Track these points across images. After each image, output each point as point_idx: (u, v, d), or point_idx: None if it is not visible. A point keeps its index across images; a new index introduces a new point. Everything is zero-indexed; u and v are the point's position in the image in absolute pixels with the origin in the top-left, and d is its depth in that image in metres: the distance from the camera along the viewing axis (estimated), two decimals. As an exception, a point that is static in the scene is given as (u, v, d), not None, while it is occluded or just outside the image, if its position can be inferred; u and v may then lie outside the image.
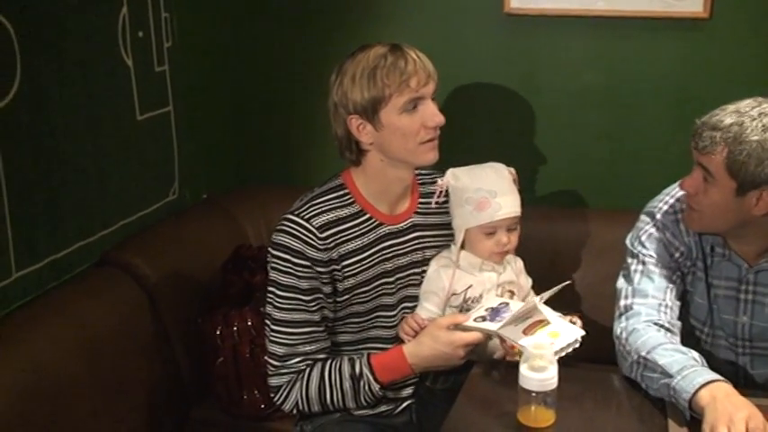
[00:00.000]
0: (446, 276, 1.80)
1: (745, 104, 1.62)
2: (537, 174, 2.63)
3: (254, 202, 2.73)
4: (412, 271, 1.87)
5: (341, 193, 1.82)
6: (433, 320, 1.76)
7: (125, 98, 2.29)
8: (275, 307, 1.78)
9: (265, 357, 1.83)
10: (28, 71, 1.90)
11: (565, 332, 1.65)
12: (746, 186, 1.60)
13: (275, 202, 2.43)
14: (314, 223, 1.75)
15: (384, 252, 1.83)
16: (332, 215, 1.78)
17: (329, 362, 1.79)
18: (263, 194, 2.75)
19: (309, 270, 1.75)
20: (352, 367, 1.78)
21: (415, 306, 1.85)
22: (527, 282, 1.90)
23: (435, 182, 1.83)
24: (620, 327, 1.75)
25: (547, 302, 1.71)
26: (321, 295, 1.77)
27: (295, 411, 1.83)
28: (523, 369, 1.50)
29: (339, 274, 1.78)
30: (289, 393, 1.80)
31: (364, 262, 1.80)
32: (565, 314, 1.73)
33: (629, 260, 1.84)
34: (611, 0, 2.45)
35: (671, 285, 1.79)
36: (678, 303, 1.80)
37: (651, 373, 1.61)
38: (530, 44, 2.57)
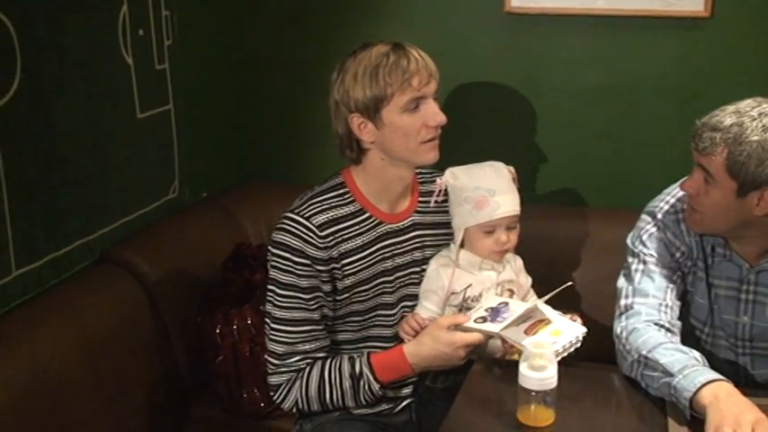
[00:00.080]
0: (446, 275, 1.80)
1: (745, 104, 1.62)
2: (537, 172, 2.63)
3: (254, 200, 2.73)
4: (411, 270, 1.87)
5: (341, 191, 1.82)
6: (434, 321, 1.75)
7: (125, 96, 2.29)
8: (275, 305, 1.78)
9: (265, 356, 1.83)
10: (28, 69, 1.90)
11: (567, 330, 1.65)
12: (747, 187, 1.60)
13: (275, 200, 2.43)
14: (314, 222, 1.75)
15: (384, 251, 1.83)
16: (332, 214, 1.78)
17: (329, 361, 1.79)
18: (264, 193, 2.75)
19: (309, 268, 1.75)
20: (352, 366, 1.78)
21: (415, 305, 1.85)
22: (527, 280, 1.89)
23: (435, 181, 1.83)
24: (620, 326, 1.75)
25: (547, 302, 1.71)
26: (321, 294, 1.77)
27: (295, 410, 1.83)
28: (523, 368, 1.50)
29: (339, 272, 1.78)
30: (288, 392, 1.80)
31: (364, 261, 1.80)
32: (564, 313, 1.73)
33: (630, 259, 1.84)
34: (611, -1, 2.45)
35: (671, 285, 1.78)
36: (678, 303, 1.80)
37: (652, 372, 1.61)
38: (530, 43, 2.57)
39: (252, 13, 2.76)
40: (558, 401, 1.52)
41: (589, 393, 1.67)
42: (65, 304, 1.99)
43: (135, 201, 2.37)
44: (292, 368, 1.79)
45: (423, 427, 1.89)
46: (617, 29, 2.48)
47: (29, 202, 1.94)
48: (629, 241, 1.86)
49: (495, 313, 1.70)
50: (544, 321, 1.67)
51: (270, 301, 1.79)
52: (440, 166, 1.84)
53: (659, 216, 1.82)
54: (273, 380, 1.81)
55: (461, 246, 1.81)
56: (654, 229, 1.82)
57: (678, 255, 1.80)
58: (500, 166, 1.82)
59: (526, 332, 1.64)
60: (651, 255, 1.80)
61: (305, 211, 1.76)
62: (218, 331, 2.23)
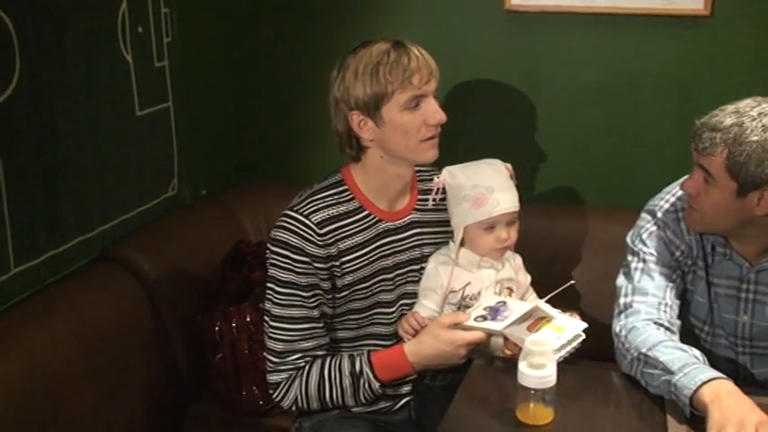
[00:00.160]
0: (444, 273, 1.79)
1: (745, 104, 1.61)
2: (537, 171, 2.63)
3: (253, 198, 2.72)
4: (410, 268, 1.86)
5: (340, 189, 1.82)
6: (435, 319, 1.75)
7: (124, 94, 2.29)
8: (274, 303, 1.77)
9: (264, 353, 1.83)
10: (27, 66, 1.90)
11: (569, 326, 1.66)
12: (747, 187, 1.60)
13: (274, 198, 2.43)
14: (313, 219, 1.75)
15: (383, 249, 1.83)
16: (331, 211, 1.77)
17: (329, 359, 1.79)
18: (263, 190, 2.75)
19: (308, 266, 1.74)
20: (353, 365, 1.78)
21: (414, 303, 1.85)
22: (526, 279, 1.89)
23: (434, 178, 1.83)
24: (619, 324, 1.75)
25: (548, 301, 1.71)
26: (320, 291, 1.77)
27: (294, 408, 1.83)
28: (522, 366, 1.50)
29: (338, 270, 1.78)
30: (288, 390, 1.80)
31: (363, 258, 1.80)
32: (563, 311, 1.72)
33: (630, 258, 1.83)
34: (611, -3, 2.45)
35: (671, 284, 1.78)
36: (678, 302, 1.79)
37: (652, 370, 1.61)
38: (530, 41, 2.56)
39: (252, 10, 2.76)
40: (557, 399, 1.52)
41: (588, 392, 1.67)
42: (64, 302, 1.98)
43: (134, 198, 2.37)
44: (292, 366, 1.79)
45: (421, 425, 1.89)
46: (617, 27, 2.48)
47: (28, 199, 1.94)
48: (628, 239, 1.86)
49: (494, 312, 1.70)
50: (546, 318, 1.67)
51: (269, 299, 1.79)
52: (439, 165, 1.84)
53: (659, 214, 1.82)
54: (273, 378, 1.81)
55: (461, 244, 1.81)
56: (654, 228, 1.81)
57: (678, 253, 1.80)
58: (497, 163, 1.82)
59: (528, 329, 1.65)
60: (651, 253, 1.80)
61: (304, 209, 1.76)
62: (217, 329, 2.23)
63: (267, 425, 2.27)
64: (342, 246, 1.77)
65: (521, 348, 1.54)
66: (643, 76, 2.51)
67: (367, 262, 1.81)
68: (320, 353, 1.80)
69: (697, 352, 1.61)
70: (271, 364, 1.80)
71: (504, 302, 1.73)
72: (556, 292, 1.68)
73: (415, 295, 1.86)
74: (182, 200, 2.59)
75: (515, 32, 2.56)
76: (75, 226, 2.12)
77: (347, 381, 1.77)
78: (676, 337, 1.71)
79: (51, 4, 1.98)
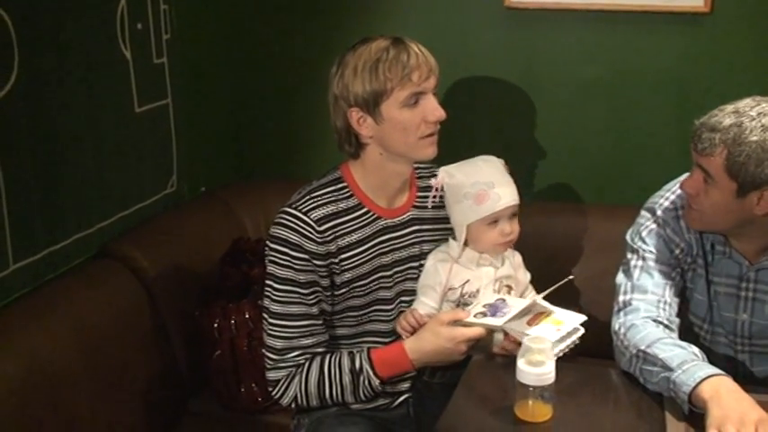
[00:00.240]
0: (443, 271, 1.79)
1: (744, 104, 1.61)
2: (536, 168, 2.63)
3: (252, 194, 2.72)
4: (409, 265, 1.86)
5: (339, 186, 1.81)
6: (435, 316, 1.75)
7: (123, 90, 2.28)
8: (273, 300, 1.77)
9: (263, 350, 1.83)
10: (26, 63, 1.89)
11: (568, 320, 1.66)
12: (747, 187, 1.59)
13: (273, 194, 2.43)
14: (312, 216, 1.75)
15: (382, 246, 1.83)
16: (330, 208, 1.77)
17: (328, 356, 1.79)
18: (262, 187, 2.75)
19: (307, 263, 1.74)
20: (352, 362, 1.78)
21: (413, 300, 1.85)
22: (525, 276, 1.89)
23: (434, 176, 1.83)
24: (618, 322, 1.75)
25: (546, 298, 1.71)
26: (319, 288, 1.77)
27: (293, 405, 1.83)
28: (521, 363, 1.50)
29: (337, 267, 1.78)
30: (288, 387, 1.80)
31: (362, 255, 1.80)
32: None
33: (629, 255, 1.83)
34: (611, -6, 2.45)
35: (670, 282, 1.78)
36: (677, 300, 1.79)
37: (651, 367, 1.60)
38: (530, 38, 2.56)
39: (251, 7, 2.76)
40: (555, 397, 1.52)
41: (587, 389, 1.67)
42: (63, 298, 1.98)
43: (133, 195, 2.36)
44: (291, 363, 1.79)
45: (420, 422, 1.89)
46: (617, 24, 2.48)
47: (27, 195, 1.94)
48: (628, 237, 1.86)
49: (493, 309, 1.70)
50: (545, 313, 1.68)
51: (268, 296, 1.78)
52: (439, 162, 1.84)
53: (659, 212, 1.81)
54: (272, 375, 1.81)
55: (465, 244, 1.80)
56: (653, 226, 1.81)
57: (677, 251, 1.79)
58: (493, 158, 1.82)
59: (528, 324, 1.65)
60: (650, 251, 1.79)
61: (303, 206, 1.76)
62: (215, 326, 2.23)
63: (266, 422, 2.27)
64: (341, 243, 1.77)
65: (519, 345, 1.54)
66: (643, 74, 2.51)
67: (366, 259, 1.80)
68: (320, 350, 1.80)
69: (696, 349, 1.61)
70: (270, 362, 1.80)
71: (503, 299, 1.73)
72: (554, 287, 1.68)
73: (413, 292, 1.86)
74: (181, 197, 2.59)
75: (515, 29, 2.56)
76: (73, 222, 2.12)
77: (347, 378, 1.77)
78: (675, 335, 1.70)
79: (50, 0, 1.97)
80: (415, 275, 1.86)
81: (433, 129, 1.75)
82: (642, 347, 1.63)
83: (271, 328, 1.78)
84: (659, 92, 2.51)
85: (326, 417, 1.85)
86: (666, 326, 1.70)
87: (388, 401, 1.88)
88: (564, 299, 1.74)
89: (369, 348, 1.80)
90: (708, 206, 1.66)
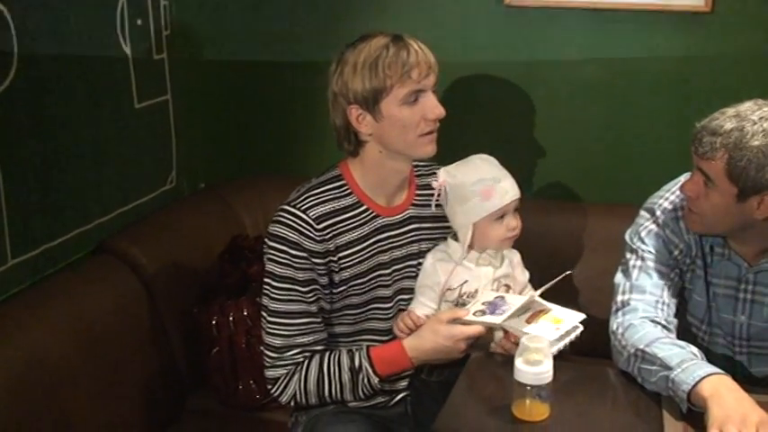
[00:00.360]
0: (442, 270, 1.79)
1: (746, 108, 1.60)
2: (535, 167, 2.63)
3: (251, 192, 2.72)
4: (408, 263, 1.86)
5: (338, 184, 1.81)
6: (434, 315, 1.75)
7: (123, 86, 2.28)
8: (272, 298, 1.77)
9: (261, 348, 1.83)
10: (25, 58, 1.89)
11: (567, 317, 1.66)
12: (747, 192, 1.58)
13: (273, 192, 2.43)
14: (311, 214, 1.74)
15: (380, 244, 1.82)
16: (329, 206, 1.77)
17: (327, 354, 1.79)
18: (261, 184, 2.74)
19: (306, 261, 1.74)
20: (351, 360, 1.78)
21: (411, 298, 1.84)
22: (524, 275, 1.89)
23: (433, 174, 1.83)
24: (616, 322, 1.75)
25: (544, 295, 1.71)
26: (318, 286, 1.77)
27: (292, 403, 1.83)
28: (518, 362, 1.50)
29: (335, 265, 1.77)
30: (287, 385, 1.80)
31: (361, 254, 1.80)
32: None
33: (628, 255, 1.83)
34: (611, -7, 2.44)
35: (669, 282, 1.78)
36: (675, 301, 1.79)
37: (649, 366, 1.60)
38: (529, 37, 2.55)
39: (251, 3, 2.75)
40: (553, 396, 1.52)
41: (585, 388, 1.67)
42: (61, 294, 1.99)
43: (132, 191, 2.36)
44: (290, 361, 1.79)
45: (418, 420, 1.89)
46: (617, 23, 2.47)
47: (25, 191, 1.94)
48: (627, 237, 1.85)
49: (492, 307, 1.70)
50: (544, 311, 1.68)
51: (266, 294, 1.78)
52: (438, 160, 1.84)
53: (658, 213, 1.81)
54: (271, 373, 1.81)
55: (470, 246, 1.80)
56: (653, 226, 1.81)
57: (676, 252, 1.79)
58: (486, 156, 1.82)
59: (527, 321, 1.65)
60: (649, 251, 1.79)
61: (302, 204, 1.76)
62: (214, 323, 2.23)
63: (264, 419, 2.27)
64: (339, 241, 1.77)
65: (517, 343, 1.54)
66: (643, 73, 2.50)
67: (364, 257, 1.80)
68: (318, 348, 1.80)
69: (695, 349, 1.61)
70: (269, 360, 1.80)
71: (502, 297, 1.73)
72: (552, 282, 1.68)
73: (412, 291, 1.85)
74: (180, 193, 2.59)
75: (514, 27, 2.55)
76: (72, 218, 2.12)
77: (346, 376, 1.77)
78: (673, 335, 1.70)
79: (50, -5, 1.98)
80: (413, 274, 1.86)
81: (432, 126, 1.75)
82: (641, 347, 1.63)
83: (270, 326, 1.78)
84: (659, 90, 2.50)
85: (324, 414, 1.85)
86: (664, 326, 1.70)
87: (385, 399, 1.88)
88: (562, 297, 1.74)
89: (368, 346, 1.80)
90: (708, 209, 1.66)
